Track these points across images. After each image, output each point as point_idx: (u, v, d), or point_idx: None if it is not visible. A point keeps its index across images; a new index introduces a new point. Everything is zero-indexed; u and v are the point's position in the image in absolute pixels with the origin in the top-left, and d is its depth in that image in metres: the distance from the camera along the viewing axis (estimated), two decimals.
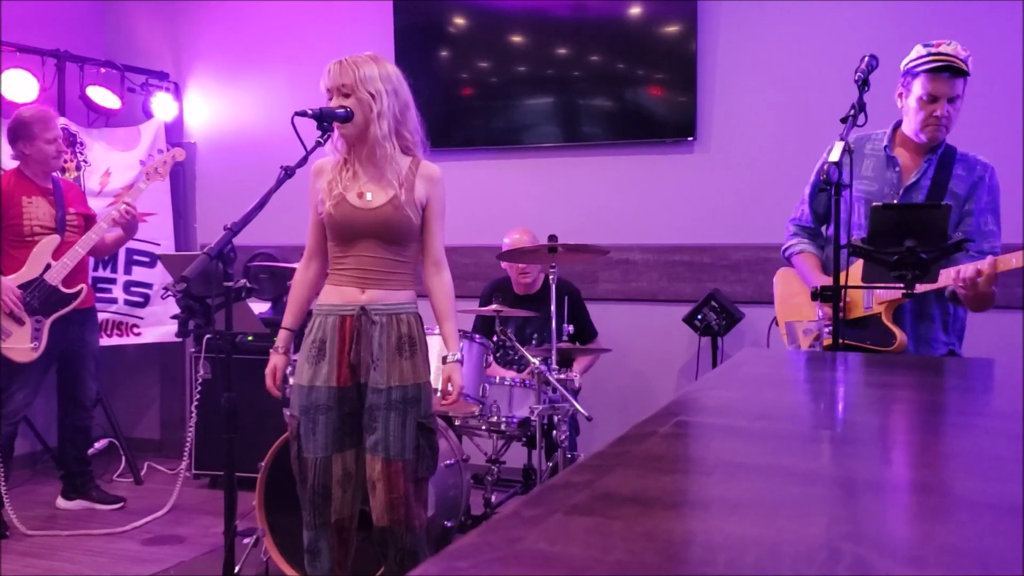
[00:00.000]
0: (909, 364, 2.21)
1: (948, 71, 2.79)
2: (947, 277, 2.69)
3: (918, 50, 2.87)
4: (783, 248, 3.26)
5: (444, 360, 2.77)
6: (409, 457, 2.65)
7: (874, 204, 2.65)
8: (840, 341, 2.68)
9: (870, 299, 2.91)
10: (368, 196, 2.65)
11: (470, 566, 0.61)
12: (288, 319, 2.83)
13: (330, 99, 2.63)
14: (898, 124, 3.00)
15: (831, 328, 2.69)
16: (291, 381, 2.78)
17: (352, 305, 2.66)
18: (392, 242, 2.67)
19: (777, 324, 3.36)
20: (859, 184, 2.98)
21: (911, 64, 2.87)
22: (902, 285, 2.49)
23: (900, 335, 2.85)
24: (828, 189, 2.58)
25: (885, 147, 2.97)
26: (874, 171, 2.98)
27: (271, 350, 2.80)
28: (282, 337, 2.81)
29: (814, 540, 0.67)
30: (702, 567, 0.63)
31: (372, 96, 2.60)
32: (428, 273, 2.79)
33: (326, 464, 2.66)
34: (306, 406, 2.66)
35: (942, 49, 2.80)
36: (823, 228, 3.20)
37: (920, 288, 2.67)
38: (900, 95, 2.94)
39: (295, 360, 2.83)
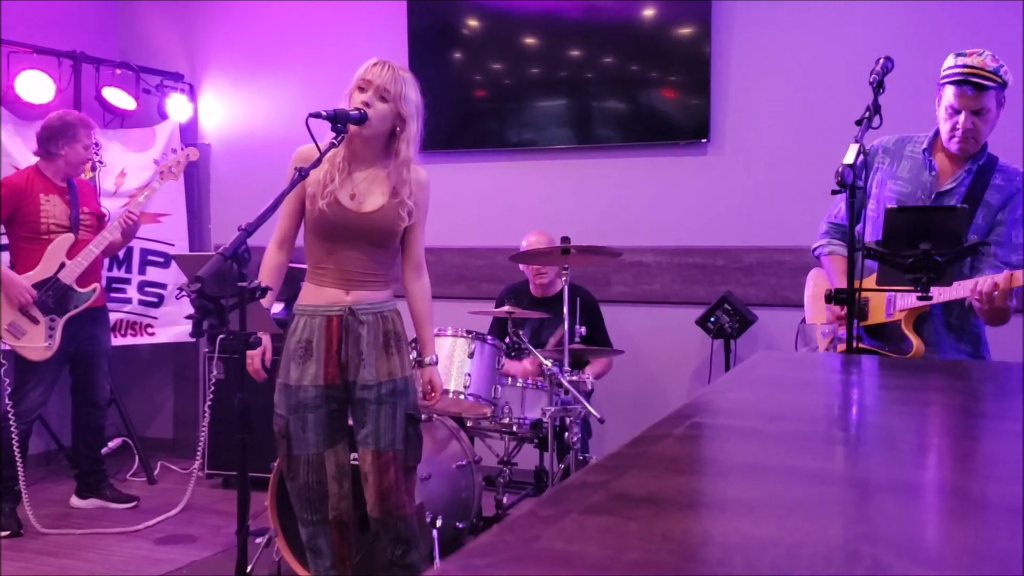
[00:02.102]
0: (925, 367, 2.20)
1: (970, 85, 2.73)
2: (966, 288, 2.66)
3: (949, 60, 2.81)
4: (814, 247, 3.22)
5: (421, 364, 2.84)
6: (399, 447, 2.71)
7: (888, 207, 2.64)
8: (856, 345, 2.66)
9: (891, 306, 2.89)
10: (360, 199, 2.67)
11: (487, 565, 0.61)
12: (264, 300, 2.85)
13: (361, 90, 2.63)
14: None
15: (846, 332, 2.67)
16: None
17: (338, 306, 2.70)
18: (377, 245, 2.72)
19: (804, 323, 3.33)
20: (893, 185, 2.95)
21: (942, 74, 2.84)
22: (917, 288, 2.47)
23: (917, 343, 2.82)
24: (842, 191, 2.56)
25: (924, 150, 2.93)
26: (910, 172, 2.94)
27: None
28: None
29: (832, 541, 0.67)
30: (719, 568, 0.63)
31: (407, 114, 2.65)
32: (409, 278, 2.84)
33: (319, 461, 2.71)
34: (294, 405, 2.70)
35: (969, 61, 2.75)
36: (856, 227, 3.15)
37: (941, 296, 2.65)
38: (937, 101, 2.91)
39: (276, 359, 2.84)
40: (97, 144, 5.11)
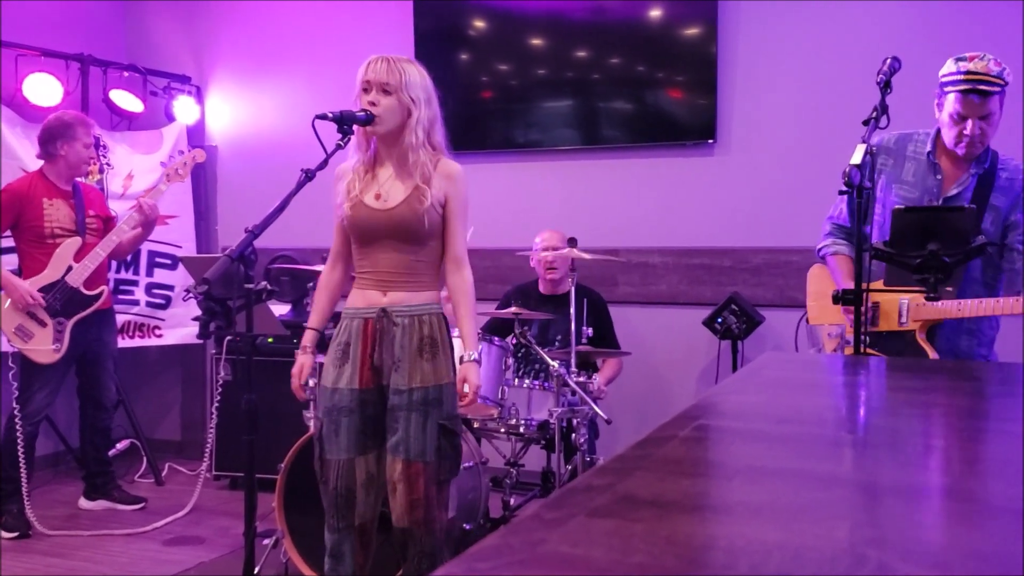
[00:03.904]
0: (932, 368, 2.19)
1: (977, 93, 2.71)
2: (1008, 306, 2.67)
3: (950, 65, 2.79)
4: (818, 247, 3.19)
5: (461, 360, 2.76)
6: (430, 459, 2.65)
7: (896, 207, 2.63)
8: (864, 350, 2.64)
9: (905, 314, 2.87)
10: (385, 197, 2.66)
11: (491, 567, 0.61)
12: (313, 319, 2.85)
13: (365, 91, 2.62)
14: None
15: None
16: (311, 383, 2.79)
17: (374, 308, 2.67)
18: (410, 242, 2.67)
19: (808, 323, 3.31)
20: (899, 189, 2.93)
21: (943, 79, 2.81)
22: (924, 289, 2.46)
23: (932, 355, 2.80)
24: (850, 192, 2.55)
25: (929, 153, 2.92)
26: (915, 176, 2.92)
27: (297, 351, 2.80)
28: (308, 337, 2.81)
29: (837, 545, 0.67)
30: (724, 571, 0.62)
31: (412, 101, 2.61)
32: (448, 271, 2.78)
33: (349, 467, 2.67)
34: (329, 408, 2.67)
35: (972, 67, 2.72)
36: (863, 228, 3.14)
37: (975, 311, 2.66)
38: (937, 105, 2.89)
39: (320, 361, 2.85)
40: (105, 147, 5.15)
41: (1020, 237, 2.83)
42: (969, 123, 2.76)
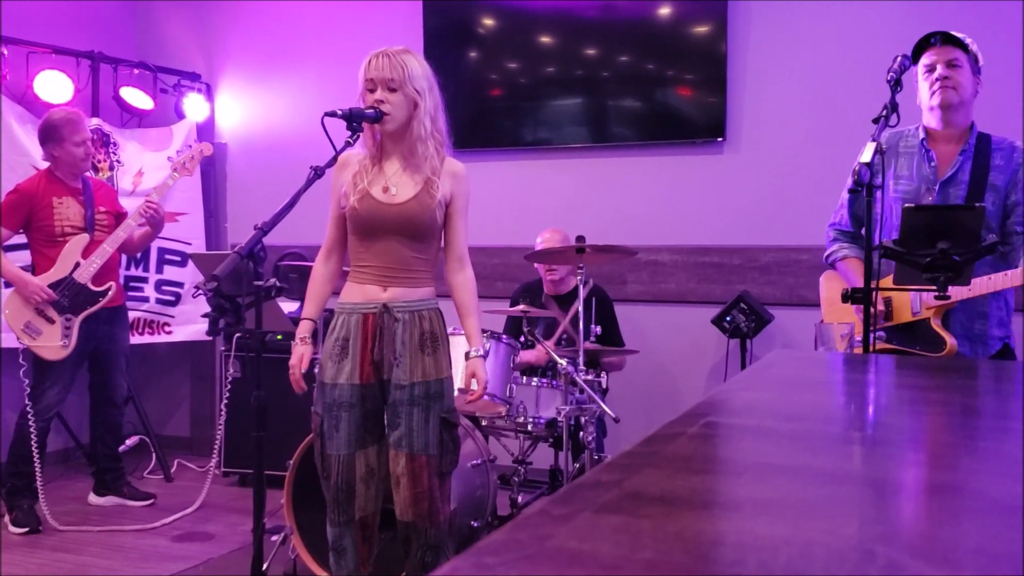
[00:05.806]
0: (942, 366, 2.19)
1: (936, 37, 2.91)
2: (992, 283, 2.68)
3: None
4: (826, 254, 3.22)
5: (467, 356, 2.77)
6: (433, 452, 2.66)
7: (905, 206, 2.63)
8: (876, 345, 2.64)
9: (918, 303, 2.87)
10: (393, 191, 2.66)
11: (499, 563, 0.61)
12: (309, 310, 2.81)
13: (370, 90, 2.62)
14: None
15: (877, 333, 2.66)
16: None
17: (374, 303, 2.67)
18: (414, 238, 2.67)
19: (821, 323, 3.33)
20: (896, 185, 2.95)
21: (914, 57, 2.98)
22: (934, 288, 2.46)
23: (950, 340, 2.80)
24: (860, 190, 2.55)
25: (922, 141, 2.94)
26: (908, 169, 2.96)
27: (293, 343, 2.76)
28: (305, 328, 2.77)
29: (846, 541, 0.67)
30: (732, 567, 0.62)
31: (417, 92, 2.61)
32: (451, 270, 2.79)
33: (349, 461, 2.68)
34: (329, 404, 2.68)
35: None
36: (863, 230, 3.17)
37: (985, 288, 2.69)
38: (916, 87, 2.99)
39: (317, 357, 2.84)
40: (115, 144, 5.16)
41: (1020, 219, 2.84)
42: (938, 68, 2.89)
